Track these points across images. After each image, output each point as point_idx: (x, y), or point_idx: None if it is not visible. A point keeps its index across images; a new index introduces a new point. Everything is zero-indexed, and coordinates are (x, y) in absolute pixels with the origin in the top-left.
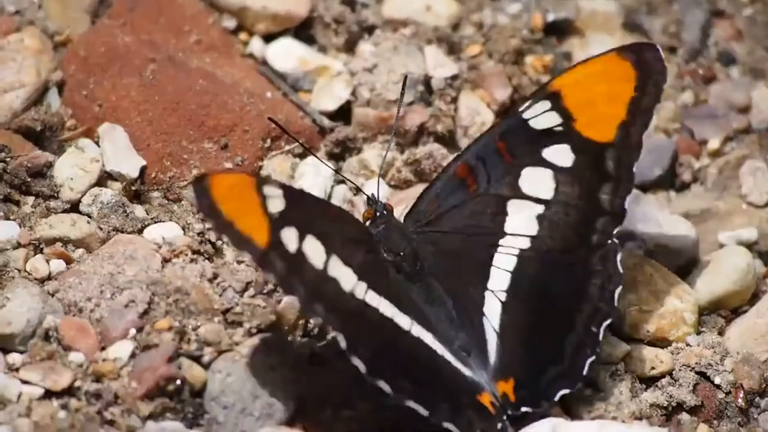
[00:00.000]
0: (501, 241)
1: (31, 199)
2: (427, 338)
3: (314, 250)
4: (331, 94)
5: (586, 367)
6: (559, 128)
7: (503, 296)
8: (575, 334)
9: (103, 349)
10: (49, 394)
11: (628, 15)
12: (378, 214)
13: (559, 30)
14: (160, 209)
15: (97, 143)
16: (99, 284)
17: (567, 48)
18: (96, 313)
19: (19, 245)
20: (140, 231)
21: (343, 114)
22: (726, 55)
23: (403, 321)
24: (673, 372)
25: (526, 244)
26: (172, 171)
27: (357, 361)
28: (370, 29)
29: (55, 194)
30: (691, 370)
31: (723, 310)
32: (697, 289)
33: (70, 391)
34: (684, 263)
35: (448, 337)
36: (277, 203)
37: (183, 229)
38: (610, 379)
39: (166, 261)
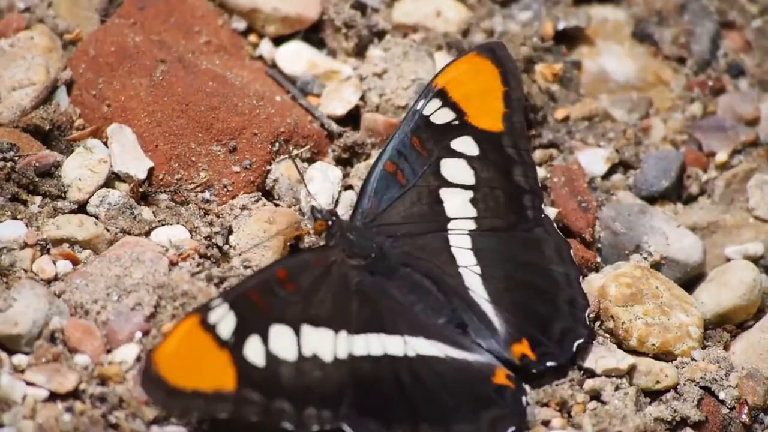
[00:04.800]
0: (449, 225)
1: (38, 199)
2: (422, 345)
3: (282, 339)
4: (340, 99)
5: (586, 317)
6: (456, 122)
7: (478, 269)
8: (562, 290)
9: (108, 351)
10: (53, 397)
11: (638, 24)
12: (330, 223)
13: (569, 38)
14: (167, 212)
15: (105, 143)
16: (105, 286)
17: (577, 56)
18: (102, 315)
19: (25, 245)
20: (147, 233)
21: (352, 119)
22: (735, 67)
23: (395, 346)
24: (678, 386)
25: (472, 225)
26: (180, 173)
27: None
28: (380, 34)
29: (63, 194)
30: (695, 385)
31: (728, 325)
32: (703, 302)
33: (75, 393)
34: (690, 276)
35: (440, 326)
36: (227, 323)
37: (190, 232)
38: (615, 392)
39: (173, 264)
